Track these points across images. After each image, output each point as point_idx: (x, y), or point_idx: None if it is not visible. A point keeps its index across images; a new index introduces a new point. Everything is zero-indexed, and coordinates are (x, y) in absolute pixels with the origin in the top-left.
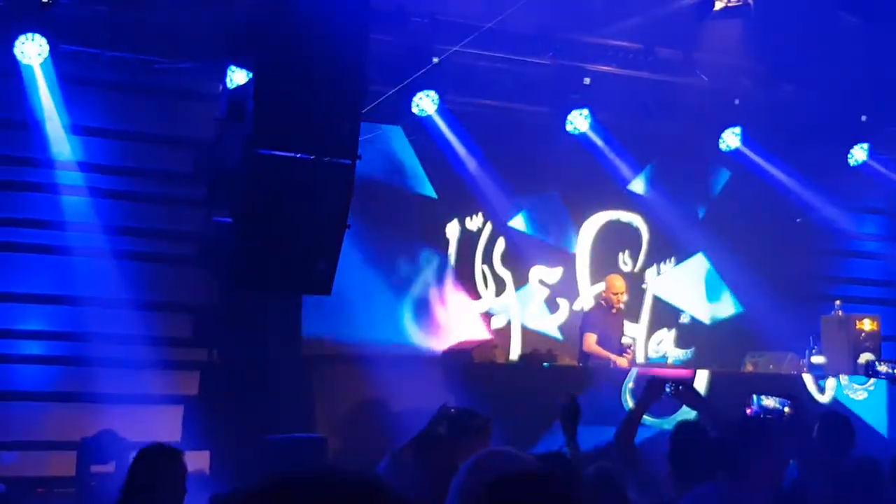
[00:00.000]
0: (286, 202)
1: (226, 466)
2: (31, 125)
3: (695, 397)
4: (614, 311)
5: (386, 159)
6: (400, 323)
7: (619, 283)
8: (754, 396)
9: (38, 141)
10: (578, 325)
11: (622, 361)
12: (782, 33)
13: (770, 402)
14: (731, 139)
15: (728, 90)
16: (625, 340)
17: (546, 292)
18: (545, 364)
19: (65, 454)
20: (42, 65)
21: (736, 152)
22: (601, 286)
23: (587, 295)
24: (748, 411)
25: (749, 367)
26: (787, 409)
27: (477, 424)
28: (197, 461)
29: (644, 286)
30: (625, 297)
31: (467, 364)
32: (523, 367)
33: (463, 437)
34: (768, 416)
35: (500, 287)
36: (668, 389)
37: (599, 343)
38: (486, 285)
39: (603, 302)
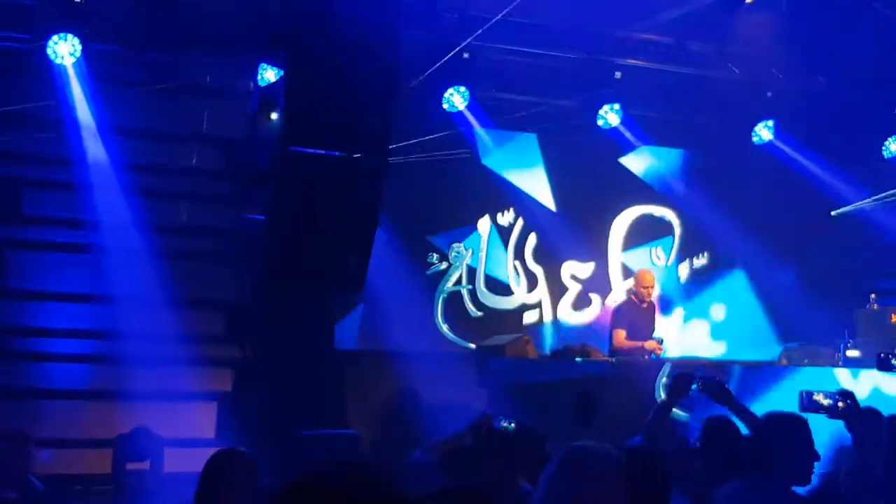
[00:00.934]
0: (318, 199)
1: (260, 463)
2: (63, 124)
3: (724, 393)
4: (645, 305)
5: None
6: (432, 319)
7: (648, 277)
8: (804, 392)
9: (71, 140)
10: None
11: (651, 344)
12: (815, 25)
13: (821, 397)
14: (763, 132)
15: (760, 83)
16: (655, 336)
17: (578, 287)
18: (577, 359)
19: (101, 451)
20: (74, 64)
21: (769, 145)
22: (633, 281)
23: (619, 290)
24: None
25: (783, 362)
26: (840, 404)
27: (534, 439)
28: None
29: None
30: (655, 292)
31: (499, 359)
32: (555, 363)
33: (517, 449)
34: (822, 413)
35: (532, 282)
36: (695, 385)
37: (630, 337)
38: (518, 281)
39: (633, 296)
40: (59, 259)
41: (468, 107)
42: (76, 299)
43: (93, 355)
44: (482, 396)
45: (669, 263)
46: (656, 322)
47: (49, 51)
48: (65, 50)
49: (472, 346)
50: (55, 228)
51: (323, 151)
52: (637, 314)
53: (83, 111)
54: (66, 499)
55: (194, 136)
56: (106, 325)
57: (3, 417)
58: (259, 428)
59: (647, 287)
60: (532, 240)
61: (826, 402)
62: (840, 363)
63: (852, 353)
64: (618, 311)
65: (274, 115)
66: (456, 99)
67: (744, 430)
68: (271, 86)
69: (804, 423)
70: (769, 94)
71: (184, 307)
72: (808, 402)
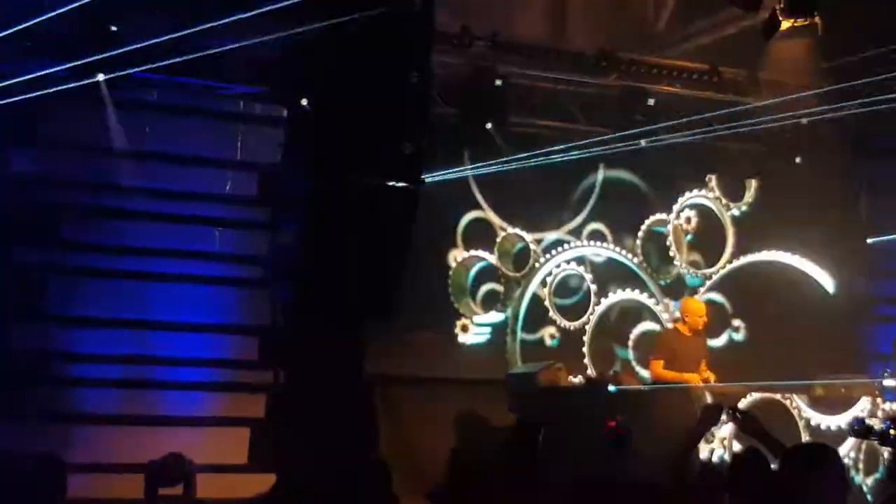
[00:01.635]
0: (350, 225)
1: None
2: (100, 151)
3: (753, 423)
4: (692, 334)
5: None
6: (464, 345)
7: (698, 306)
8: (855, 418)
9: (108, 166)
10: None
11: (693, 378)
12: (850, 50)
13: (874, 422)
14: (798, 158)
15: (795, 108)
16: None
17: (616, 312)
18: (611, 387)
19: (133, 476)
20: (111, 91)
21: (803, 171)
22: (672, 305)
23: (658, 316)
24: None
25: (819, 391)
26: (892, 432)
27: None
28: (264, 484)
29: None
30: (704, 320)
31: (532, 387)
32: (588, 391)
33: None
34: (874, 439)
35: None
36: (725, 415)
37: (676, 368)
38: (554, 306)
39: (679, 325)
40: (94, 284)
41: (501, 133)
42: (111, 325)
43: (126, 380)
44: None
45: (705, 289)
46: (705, 352)
47: (87, 78)
48: (102, 78)
49: (505, 372)
50: (92, 254)
51: (355, 178)
52: (682, 343)
53: (119, 137)
54: None
55: (228, 163)
56: (139, 350)
57: (37, 441)
58: (292, 454)
59: (698, 316)
60: (568, 265)
61: (879, 427)
62: (878, 393)
63: (889, 382)
64: (658, 339)
65: (306, 142)
66: (488, 125)
67: (773, 461)
68: (304, 113)
69: (834, 452)
70: (804, 120)
71: (217, 332)
72: (859, 428)
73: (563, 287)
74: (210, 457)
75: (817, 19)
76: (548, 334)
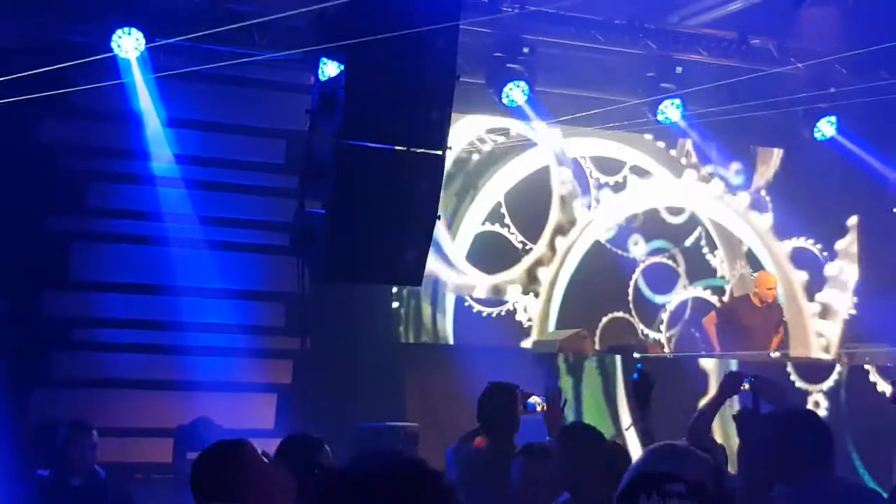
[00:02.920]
0: (377, 193)
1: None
2: (127, 118)
3: (775, 391)
4: (763, 305)
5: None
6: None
7: (770, 279)
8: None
9: (135, 133)
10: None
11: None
12: (880, 20)
13: None
14: (826, 128)
15: (823, 78)
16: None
17: (638, 275)
18: (636, 355)
19: (162, 441)
20: (139, 58)
21: (831, 141)
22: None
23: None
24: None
25: (844, 360)
26: None
27: None
28: None
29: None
30: (773, 293)
31: (556, 355)
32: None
33: None
34: None
35: None
36: (746, 383)
37: (741, 336)
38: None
39: (752, 296)
40: (121, 250)
41: (528, 101)
42: (138, 290)
43: (154, 346)
44: (540, 392)
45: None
46: (778, 325)
47: (113, 44)
48: (129, 44)
49: (530, 340)
50: (119, 220)
51: (382, 145)
52: (750, 314)
53: (146, 104)
54: (128, 486)
55: (256, 130)
56: (167, 315)
57: (66, 406)
58: (318, 419)
59: (767, 288)
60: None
61: None
62: None
63: None
64: (730, 300)
65: (333, 109)
66: (515, 93)
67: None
68: (331, 80)
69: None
70: (832, 89)
71: (244, 298)
72: None
73: (525, 212)
74: (237, 422)
75: None
76: (514, 303)
